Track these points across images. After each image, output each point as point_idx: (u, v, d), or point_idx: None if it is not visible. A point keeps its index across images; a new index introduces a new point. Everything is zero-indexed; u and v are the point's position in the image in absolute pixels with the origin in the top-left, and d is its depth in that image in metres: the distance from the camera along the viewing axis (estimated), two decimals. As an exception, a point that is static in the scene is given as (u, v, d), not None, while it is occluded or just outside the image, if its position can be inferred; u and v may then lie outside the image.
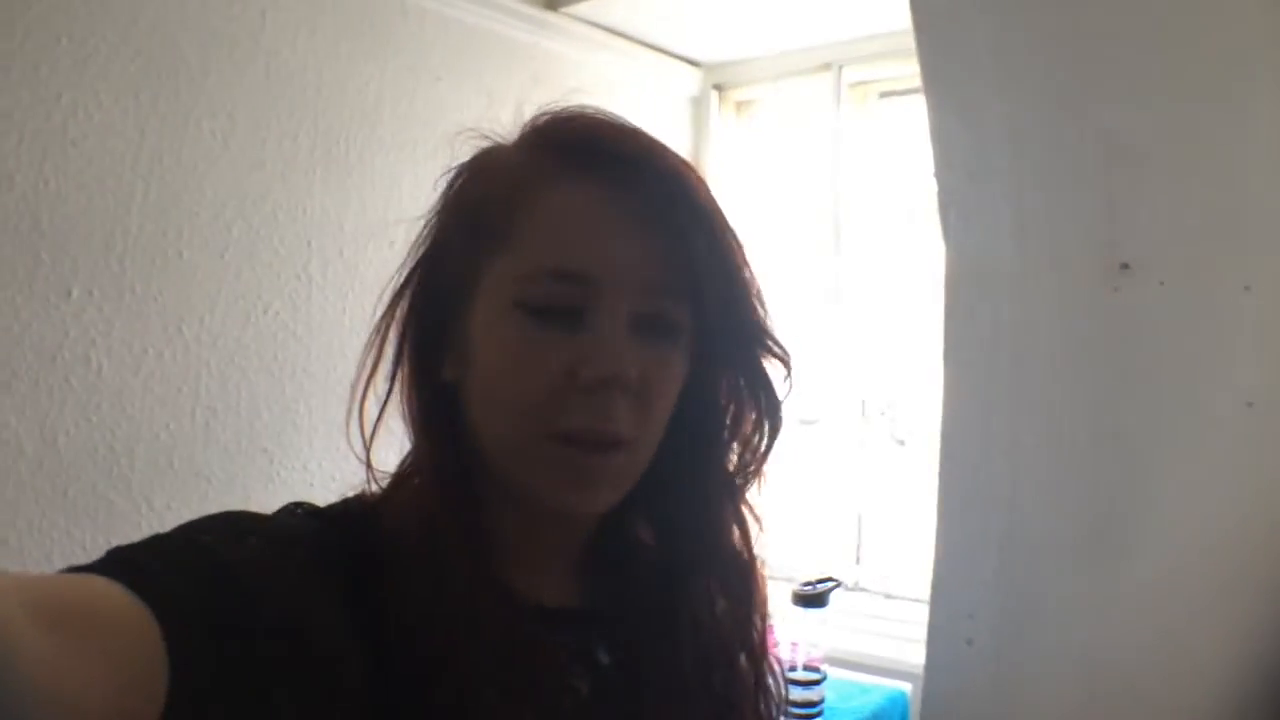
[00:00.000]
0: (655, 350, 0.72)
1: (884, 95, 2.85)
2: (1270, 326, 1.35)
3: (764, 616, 0.85)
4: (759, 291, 0.78)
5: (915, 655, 2.18)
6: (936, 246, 1.88)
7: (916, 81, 2.69)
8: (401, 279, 0.78)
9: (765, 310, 0.79)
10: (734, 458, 0.81)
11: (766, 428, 0.80)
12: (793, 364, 0.81)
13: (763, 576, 0.85)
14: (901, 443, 2.67)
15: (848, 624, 2.42)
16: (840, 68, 2.80)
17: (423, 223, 0.78)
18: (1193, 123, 1.41)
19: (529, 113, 0.76)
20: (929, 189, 2.62)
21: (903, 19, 2.45)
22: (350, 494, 0.77)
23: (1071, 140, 1.51)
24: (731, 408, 0.80)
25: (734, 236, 0.76)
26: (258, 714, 0.57)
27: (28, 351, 1.64)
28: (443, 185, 0.78)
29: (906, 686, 2.15)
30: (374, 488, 0.76)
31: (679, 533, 0.80)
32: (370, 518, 0.72)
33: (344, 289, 2.13)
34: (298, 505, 0.73)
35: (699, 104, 3.07)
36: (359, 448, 0.76)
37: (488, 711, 0.67)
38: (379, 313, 0.77)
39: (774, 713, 0.86)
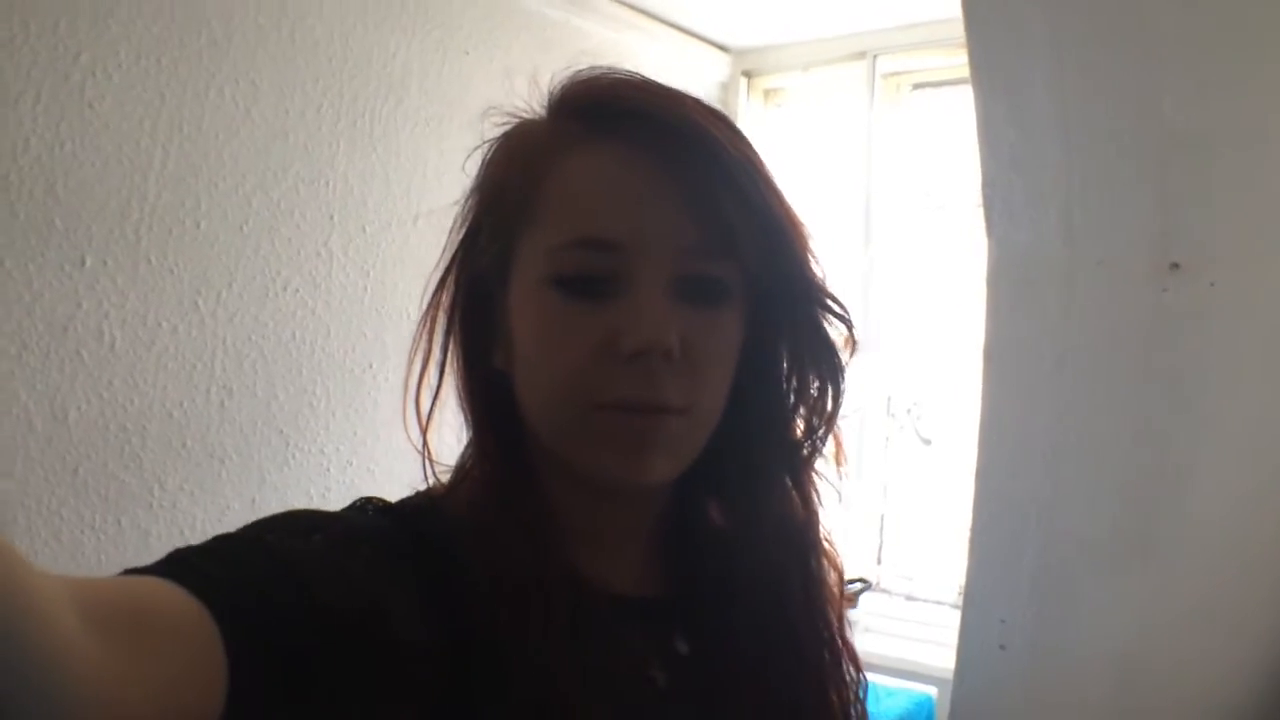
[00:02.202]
0: (701, 314, 0.68)
1: (917, 87, 2.77)
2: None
3: (835, 596, 0.81)
4: (811, 248, 0.73)
5: (938, 659, 2.12)
6: (968, 242, 1.81)
7: (951, 74, 2.66)
8: (443, 266, 0.75)
9: (821, 268, 0.74)
10: (801, 427, 0.77)
11: (830, 394, 0.76)
12: (854, 324, 0.76)
13: (834, 553, 0.82)
14: (928, 442, 2.59)
15: (868, 625, 2.36)
16: (875, 57, 2.73)
17: (459, 206, 0.75)
18: (1258, 119, 1.35)
19: (546, 82, 0.72)
20: (968, 182, 2.55)
21: (939, 9, 2.40)
22: (420, 487, 0.74)
23: (1127, 133, 1.46)
24: (794, 377, 0.76)
25: (776, 190, 0.71)
26: (323, 712, 0.56)
27: (38, 322, 1.54)
28: (474, 165, 0.74)
29: (932, 690, 2.08)
30: (431, 480, 0.74)
31: (743, 511, 0.77)
32: (437, 512, 0.70)
33: (365, 267, 2.05)
34: (368, 501, 0.71)
35: (727, 90, 2.99)
36: (416, 438, 0.73)
37: (564, 706, 0.64)
38: (424, 302, 0.75)
39: (850, 697, 0.81)
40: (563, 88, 0.72)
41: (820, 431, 0.77)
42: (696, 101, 0.71)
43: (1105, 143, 1.49)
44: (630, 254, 0.66)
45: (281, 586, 0.55)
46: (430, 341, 0.74)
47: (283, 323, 1.90)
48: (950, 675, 1.59)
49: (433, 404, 0.74)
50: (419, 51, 2.13)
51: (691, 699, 0.73)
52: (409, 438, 0.72)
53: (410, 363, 0.73)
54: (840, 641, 0.81)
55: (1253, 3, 1.35)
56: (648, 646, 0.74)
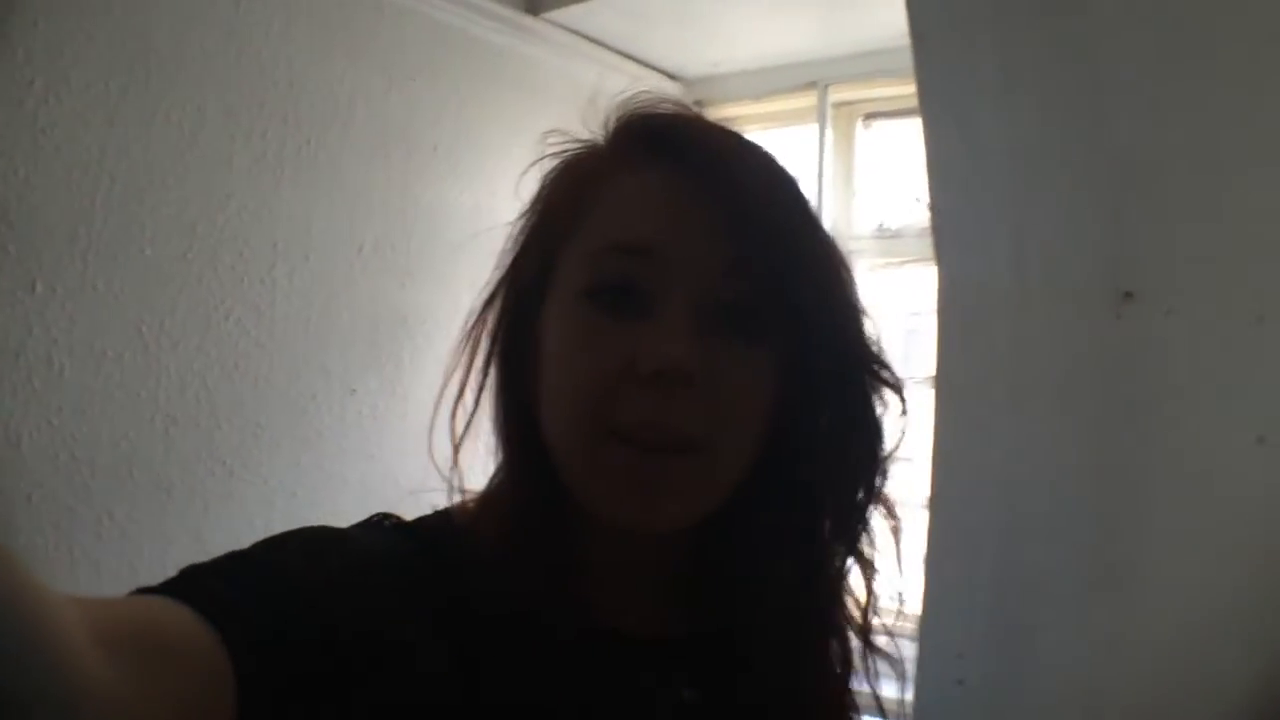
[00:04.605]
0: (730, 346, 0.69)
1: (868, 117, 2.92)
2: (1284, 358, 1.32)
3: (845, 684, 0.81)
4: (859, 301, 0.75)
5: (899, 692, 2.21)
6: (926, 271, 1.89)
7: (902, 103, 2.79)
8: (491, 285, 0.77)
9: (871, 325, 0.76)
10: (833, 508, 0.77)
11: (864, 474, 0.76)
12: (906, 395, 0.76)
13: (850, 642, 0.80)
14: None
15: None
16: (825, 87, 2.85)
17: (512, 226, 0.78)
18: (1209, 144, 1.39)
19: (605, 106, 0.77)
20: (921, 211, 2.67)
21: (889, 38, 2.53)
22: (442, 505, 0.76)
23: (1078, 160, 1.50)
24: (831, 449, 0.75)
25: (819, 230, 0.74)
26: None
27: (-8, 347, 1.63)
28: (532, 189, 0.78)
29: (889, 728, 2.18)
30: (459, 499, 0.77)
31: (760, 576, 0.76)
32: (456, 535, 0.72)
33: (310, 296, 2.13)
34: (385, 517, 0.73)
35: (678, 119, 3.07)
36: (440, 461, 0.76)
37: None
38: (469, 321, 0.77)
39: None
40: (620, 115, 0.76)
41: (853, 517, 0.76)
42: (749, 141, 0.75)
43: (1056, 170, 1.52)
44: (661, 268, 0.68)
45: (294, 611, 0.57)
46: (471, 361, 0.76)
47: (226, 352, 1.98)
48: (910, 710, 1.56)
49: (467, 426, 0.76)
50: (365, 77, 2.22)
51: None
52: (433, 459, 0.75)
53: (445, 381, 0.76)
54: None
55: (1203, 29, 1.38)
56: (654, 692, 0.74)
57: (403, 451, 2.28)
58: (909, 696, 1.56)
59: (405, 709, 0.61)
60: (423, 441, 0.77)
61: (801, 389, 0.72)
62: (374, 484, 2.22)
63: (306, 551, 0.63)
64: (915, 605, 1.67)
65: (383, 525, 0.72)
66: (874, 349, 0.75)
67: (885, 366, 0.75)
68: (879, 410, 0.75)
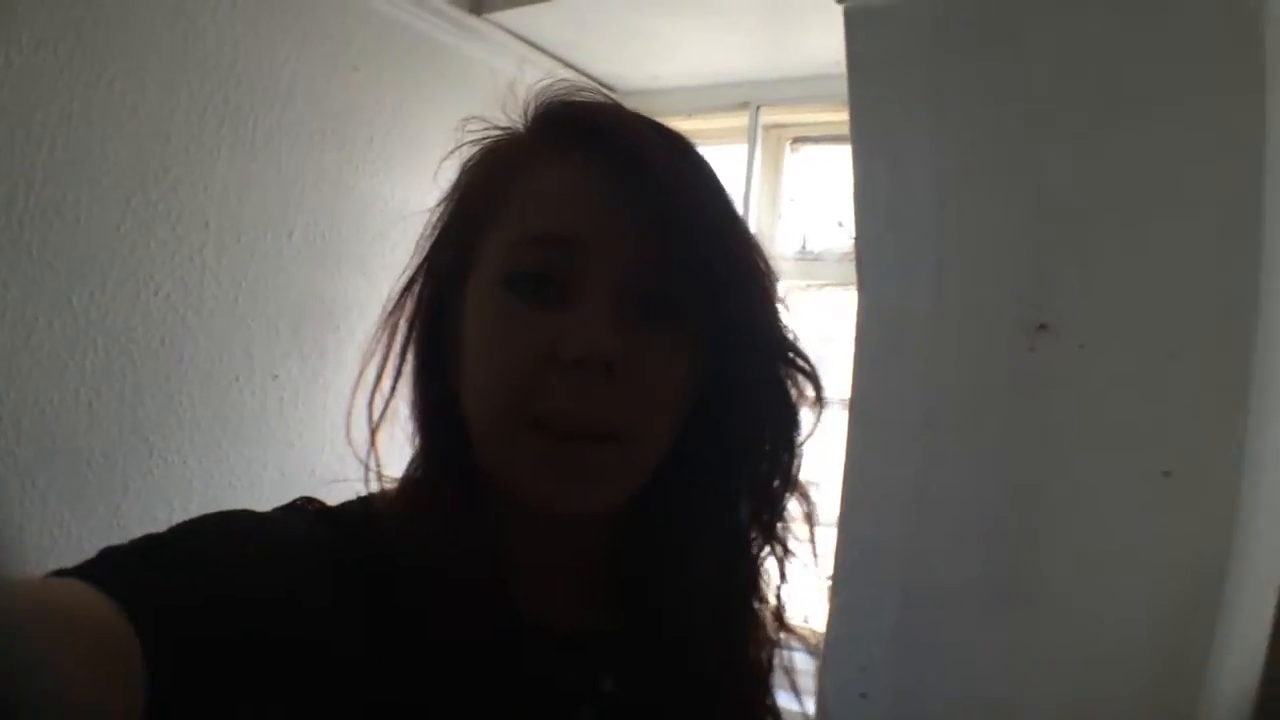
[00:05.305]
0: (650, 335, 0.71)
1: (797, 140, 3.02)
2: (1194, 396, 1.41)
3: (763, 668, 0.85)
4: (773, 289, 0.77)
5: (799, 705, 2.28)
6: (843, 296, 1.96)
7: (830, 129, 2.91)
8: (409, 272, 0.79)
9: (785, 314, 0.78)
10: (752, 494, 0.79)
11: (779, 461, 0.78)
12: (822, 384, 0.79)
13: (768, 626, 0.84)
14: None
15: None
16: (757, 108, 2.95)
17: (431, 213, 0.80)
18: (1131, 185, 1.47)
19: (524, 94, 0.78)
20: (842, 236, 2.78)
21: (823, 65, 2.63)
22: (364, 491, 0.78)
23: (1001, 192, 1.57)
24: (746, 436, 0.78)
25: (736, 221, 0.76)
26: (250, 715, 0.58)
27: (-79, 308, 1.61)
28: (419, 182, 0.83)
29: (787, 737, 2.25)
30: (377, 485, 0.78)
31: (674, 561, 0.78)
32: (376, 522, 0.73)
33: (238, 278, 2.14)
34: (308, 501, 0.74)
35: (609, 129, 3.14)
36: (359, 446, 0.77)
37: None
38: (387, 307, 0.79)
39: None
40: (540, 102, 0.77)
41: (768, 504, 0.79)
42: (668, 129, 0.77)
43: (980, 203, 1.60)
44: (582, 257, 0.69)
45: (209, 597, 0.58)
46: (389, 348, 0.78)
47: (152, 328, 1.98)
48: (811, 722, 1.64)
49: (384, 410, 0.77)
50: (308, 64, 2.24)
51: None
52: (350, 442, 0.76)
53: (363, 367, 0.77)
54: (763, 710, 0.86)
55: (1130, 77, 1.47)
56: (573, 682, 0.76)
57: (321, 441, 2.30)
58: (811, 709, 1.64)
59: (321, 696, 0.61)
60: (342, 432, 0.78)
61: (719, 374, 0.75)
62: (292, 471, 2.24)
63: (225, 536, 0.64)
64: (820, 620, 1.74)
65: (305, 510, 0.73)
66: (790, 337, 0.78)
67: (800, 354, 0.78)
68: (794, 396, 0.78)
